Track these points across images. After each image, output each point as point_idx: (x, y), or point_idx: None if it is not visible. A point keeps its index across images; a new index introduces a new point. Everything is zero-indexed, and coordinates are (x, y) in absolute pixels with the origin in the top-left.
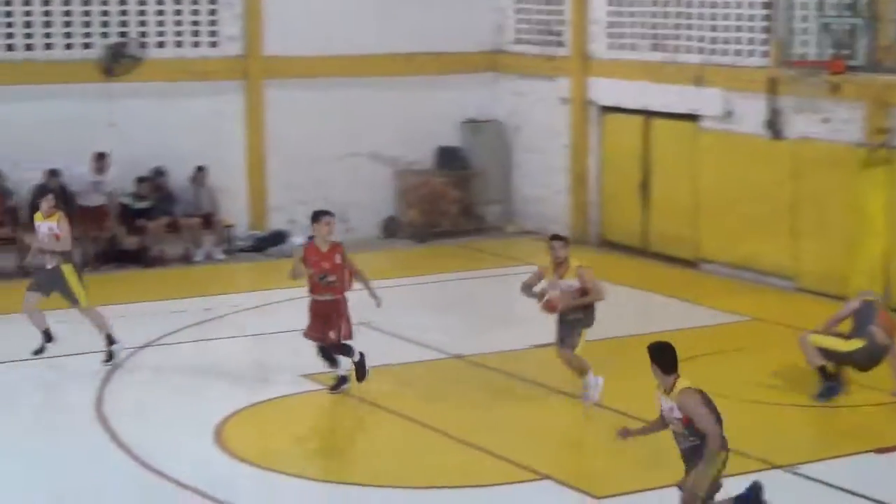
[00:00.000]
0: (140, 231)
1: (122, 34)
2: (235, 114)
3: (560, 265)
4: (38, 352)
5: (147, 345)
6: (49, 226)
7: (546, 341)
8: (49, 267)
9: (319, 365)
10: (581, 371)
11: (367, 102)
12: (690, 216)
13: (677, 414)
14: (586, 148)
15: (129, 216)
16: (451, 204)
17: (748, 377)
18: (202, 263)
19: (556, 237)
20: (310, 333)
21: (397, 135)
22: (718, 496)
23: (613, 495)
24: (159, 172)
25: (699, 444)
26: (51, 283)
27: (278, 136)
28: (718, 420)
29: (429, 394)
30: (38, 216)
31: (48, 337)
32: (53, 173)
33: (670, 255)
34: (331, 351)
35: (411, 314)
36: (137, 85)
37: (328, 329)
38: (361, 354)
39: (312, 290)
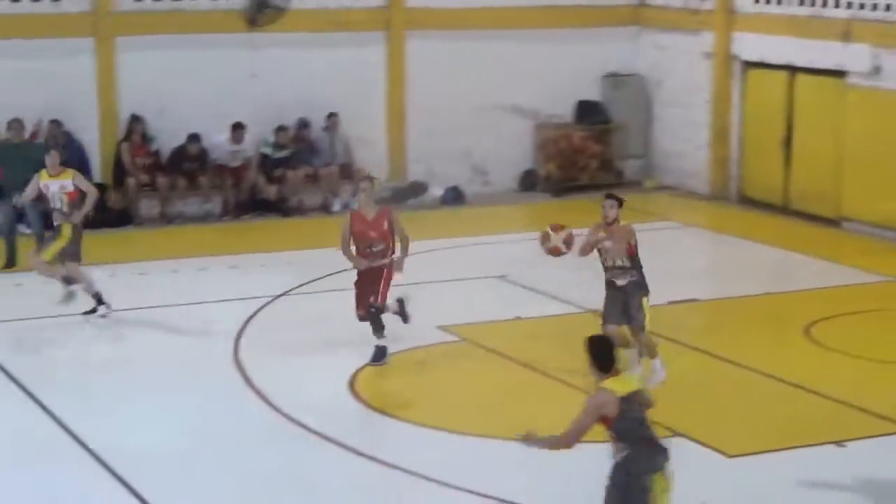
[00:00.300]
0: (279, 181)
1: None
2: (377, 64)
3: (610, 225)
4: (90, 312)
5: (285, 293)
6: (61, 184)
7: (682, 297)
8: (55, 223)
9: (456, 316)
10: (650, 353)
11: (508, 55)
12: (833, 174)
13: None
14: (728, 103)
15: (269, 166)
16: (589, 158)
17: (887, 338)
18: (340, 213)
19: (609, 196)
20: (361, 311)
21: (538, 88)
22: None
23: (745, 454)
24: (304, 124)
25: (629, 454)
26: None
27: (419, 87)
28: (645, 429)
29: (562, 347)
30: (42, 174)
31: (98, 299)
32: (194, 138)
33: (811, 213)
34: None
35: (548, 268)
36: (280, 35)
37: (372, 295)
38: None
39: (370, 256)
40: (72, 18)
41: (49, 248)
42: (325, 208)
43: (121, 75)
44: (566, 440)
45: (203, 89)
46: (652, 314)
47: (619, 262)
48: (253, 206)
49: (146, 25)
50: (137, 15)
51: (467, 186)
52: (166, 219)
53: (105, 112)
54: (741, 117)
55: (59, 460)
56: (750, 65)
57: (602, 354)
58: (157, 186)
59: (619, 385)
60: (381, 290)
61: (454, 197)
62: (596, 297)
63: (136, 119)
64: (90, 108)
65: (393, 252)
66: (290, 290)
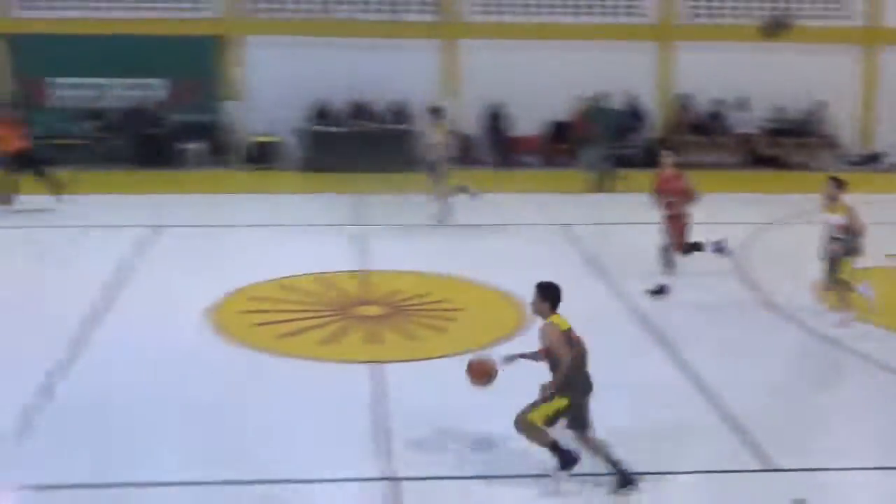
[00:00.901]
0: (777, 145)
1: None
2: (852, 70)
3: (832, 200)
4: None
5: (767, 224)
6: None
7: None
8: (429, 160)
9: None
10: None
11: None
12: None
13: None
14: None
15: (771, 134)
16: None
17: None
18: (819, 170)
19: (832, 178)
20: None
21: None
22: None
23: None
24: (805, 110)
25: (563, 379)
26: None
27: (885, 84)
28: (579, 360)
29: None
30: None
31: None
32: (719, 104)
33: None
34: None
35: None
36: (784, 44)
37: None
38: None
39: (666, 207)
40: (639, 29)
41: (444, 184)
42: (804, 166)
43: (676, 67)
44: (564, 370)
45: (727, 80)
46: None
47: (832, 234)
48: (754, 161)
49: (700, 32)
50: (691, 27)
51: None
52: (690, 165)
53: (662, 91)
54: None
55: (624, 328)
56: None
57: (553, 296)
58: (690, 142)
59: (561, 321)
60: (674, 237)
61: None
62: None
63: (684, 96)
64: (651, 88)
65: (681, 205)
66: (769, 223)
